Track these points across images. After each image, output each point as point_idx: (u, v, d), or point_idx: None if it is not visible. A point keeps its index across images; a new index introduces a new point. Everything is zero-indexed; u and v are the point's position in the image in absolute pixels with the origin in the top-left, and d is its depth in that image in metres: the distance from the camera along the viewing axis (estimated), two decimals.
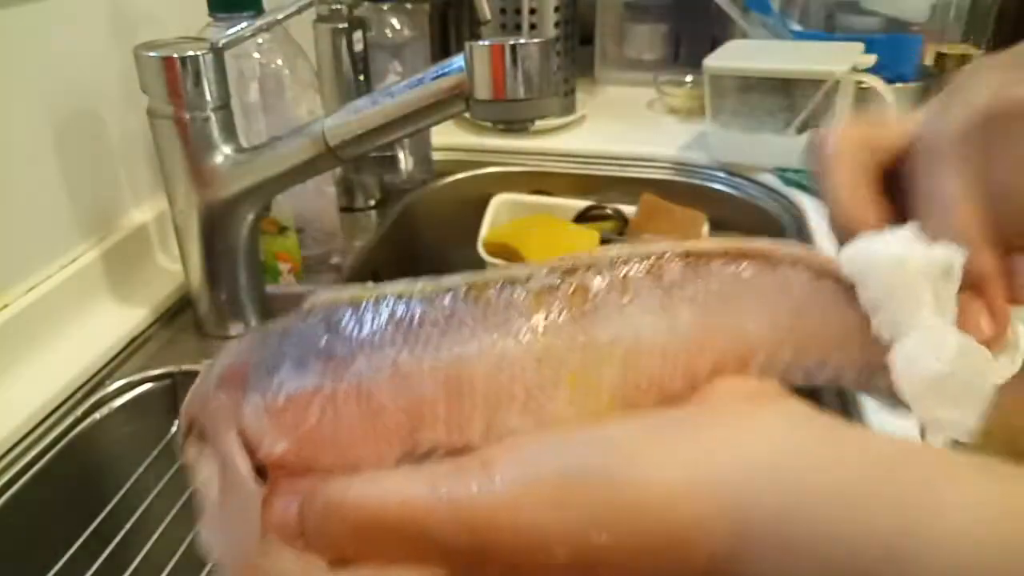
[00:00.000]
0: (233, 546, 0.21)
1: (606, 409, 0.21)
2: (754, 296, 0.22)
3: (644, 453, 0.19)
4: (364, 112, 0.54)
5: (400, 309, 0.21)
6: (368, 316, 0.21)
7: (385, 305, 0.22)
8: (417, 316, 0.21)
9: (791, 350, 0.22)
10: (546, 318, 0.21)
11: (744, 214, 0.86)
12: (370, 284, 0.23)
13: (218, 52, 0.54)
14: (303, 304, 0.23)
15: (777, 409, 0.20)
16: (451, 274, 0.23)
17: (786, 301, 0.22)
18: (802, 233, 0.75)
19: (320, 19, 0.73)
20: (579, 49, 1.04)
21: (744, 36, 1.04)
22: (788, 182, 0.84)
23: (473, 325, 0.21)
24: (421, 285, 0.22)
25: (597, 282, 0.21)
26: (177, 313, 0.64)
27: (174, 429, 0.57)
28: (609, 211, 0.85)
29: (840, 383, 0.23)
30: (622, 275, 0.21)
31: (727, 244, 0.22)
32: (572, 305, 0.21)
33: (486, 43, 0.50)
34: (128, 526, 0.50)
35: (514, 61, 0.50)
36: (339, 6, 0.72)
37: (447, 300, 0.21)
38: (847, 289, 0.22)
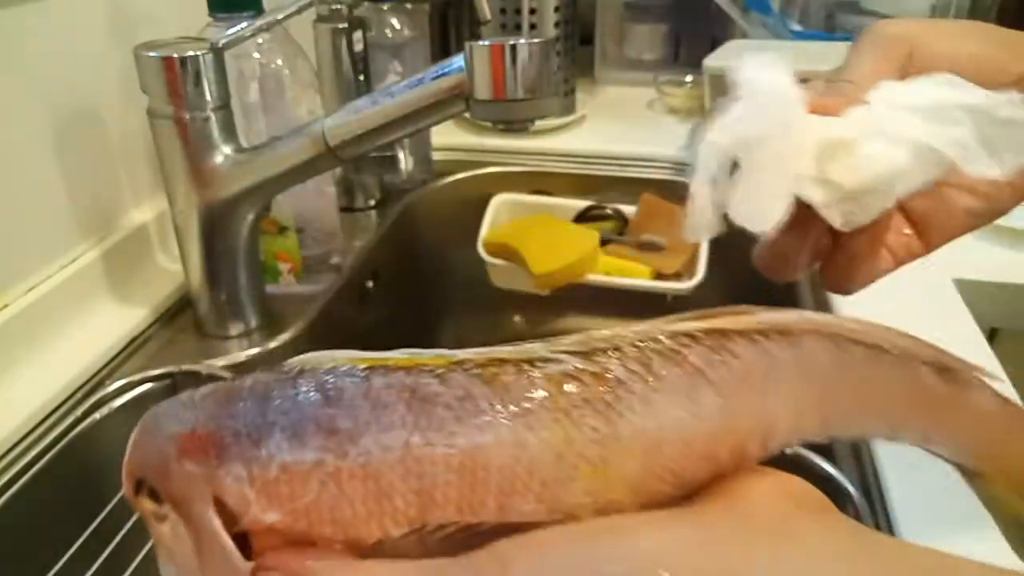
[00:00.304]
0: None
1: (623, 497, 0.20)
2: (778, 374, 0.21)
3: (677, 569, 0.18)
4: (364, 112, 0.54)
5: (408, 383, 0.20)
6: (374, 389, 0.20)
7: (392, 378, 0.20)
8: (429, 394, 0.20)
9: (817, 421, 0.22)
10: (565, 409, 0.20)
11: None
12: (364, 354, 0.22)
13: (218, 52, 0.54)
14: (283, 365, 0.22)
15: (817, 523, 0.20)
16: (454, 349, 0.22)
17: (811, 376, 0.21)
18: None
19: (320, 19, 0.73)
20: (579, 49, 1.04)
21: (744, 36, 1.04)
22: None
23: (489, 411, 0.20)
24: (429, 358, 0.21)
25: (618, 369, 0.20)
26: (177, 313, 0.64)
27: None
28: (609, 211, 0.85)
29: (864, 439, 0.22)
30: (644, 360, 0.20)
31: (749, 321, 0.21)
32: (592, 395, 0.20)
33: (486, 43, 0.50)
34: (128, 526, 0.50)
35: (514, 61, 0.50)
36: (339, 6, 0.72)
37: (460, 378, 0.20)
38: (875, 354, 0.21)
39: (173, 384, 0.57)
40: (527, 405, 0.20)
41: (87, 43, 0.60)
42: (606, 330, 0.21)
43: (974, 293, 0.64)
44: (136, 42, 0.54)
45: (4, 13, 0.53)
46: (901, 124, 0.25)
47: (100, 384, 0.55)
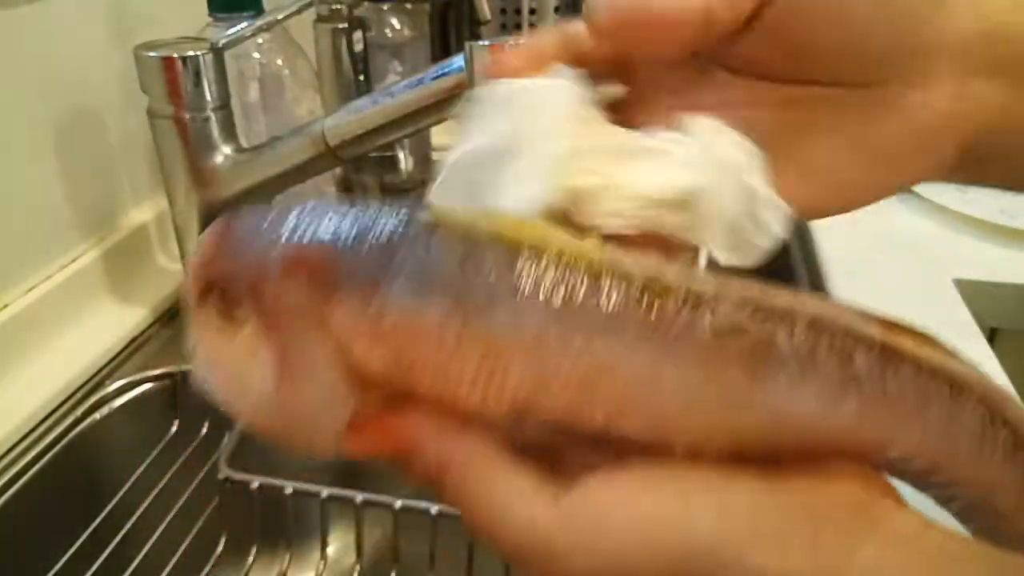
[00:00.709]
0: (303, 435, 0.21)
1: (721, 451, 0.20)
2: (925, 417, 0.20)
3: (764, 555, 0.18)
4: (364, 112, 0.54)
5: (560, 279, 0.19)
6: (522, 273, 0.19)
7: (543, 267, 0.19)
8: (577, 296, 0.19)
9: (924, 466, 0.21)
10: (713, 357, 0.19)
11: None
12: (506, 219, 0.20)
13: (218, 52, 0.54)
14: (410, 205, 0.21)
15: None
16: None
17: (951, 434, 0.20)
18: (802, 232, 0.75)
19: (320, 19, 0.73)
20: None
21: None
22: None
23: (636, 334, 0.19)
24: (589, 253, 0.20)
25: (784, 341, 0.19)
26: (177, 313, 0.64)
27: (174, 429, 0.57)
28: None
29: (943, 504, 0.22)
30: (811, 344, 0.19)
31: (929, 356, 0.20)
32: (751, 359, 0.19)
33: (486, 43, 0.50)
34: (128, 526, 0.50)
35: None
36: (339, 6, 0.72)
37: (616, 292, 0.19)
38: (1018, 445, 0.21)
39: (173, 384, 0.57)
40: (678, 345, 0.19)
41: (87, 43, 0.60)
42: (785, 293, 0.20)
43: (974, 293, 0.64)
44: (136, 42, 0.54)
45: (4, 13, 0.53)
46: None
47: (100, 384, 0.55)
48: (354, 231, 0.20)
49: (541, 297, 0.19)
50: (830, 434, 0.20)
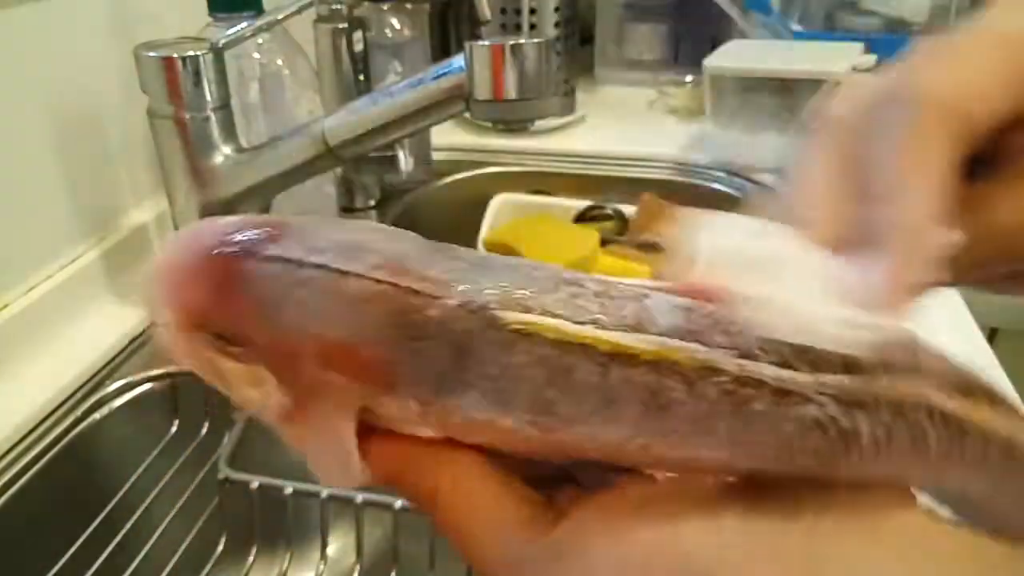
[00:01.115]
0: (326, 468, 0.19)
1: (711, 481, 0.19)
2: (984, 478, 0.20)
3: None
4: (364, 112, 0.54)
5: (650, 384, 0.17)
6: (610, 382, 0.17)
7: (633, 373, 0.17)
8: (668, 402, 0.17)
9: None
10: (790, 451, 0.17)
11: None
12: (591, 288, 0.18)
13: (218, 52, 0.54)
14: (472, 293, 0.17)
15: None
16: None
17: (1006, 490, 0.21)
18: None
19: (320, 19, 0.73)
20: (579, 49, 1.04)
21: (744, 36, 1.04)
22: None
23: (720, 431, 0.17)
24: (678, 353, 0.17)
25: (865, 429, 0.17)
26: None
27: (174, 429, 0.57)
28: (609, 211, 0.85)
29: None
30: (891, 430, 0.18)
31: (999, 425, 0.19)
32: (827, 454, 0.17)
33: (486, 43, 0.50)
34: (128, 526, 0.50)
35: (514, 61, 0.50)
36: (339, 6, 0.72)
37: (710, 391, 0.17)
38: None
39: (173, 384, 0.57)
40: (759, 437, 0.17)
41: (87, 43, 0.60)
42: (886, 372, 0.18)
43: (974, 293, 0.64)
44: (136, 42, 0.54)
45: (4, 13, 0.53)
46: None
47: (100, 384, 0.55)
48: (421, 326, 0.17)
49: (630, 411, 0.17)
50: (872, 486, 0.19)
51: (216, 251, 0.18)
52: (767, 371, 0.17)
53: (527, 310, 0.17)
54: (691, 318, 0.18)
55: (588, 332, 0.17)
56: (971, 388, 0.19)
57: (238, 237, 0.18)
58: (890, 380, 0.18)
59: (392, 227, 0.20)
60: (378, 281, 0.17)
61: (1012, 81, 0.20)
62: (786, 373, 0.17)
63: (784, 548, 0.17)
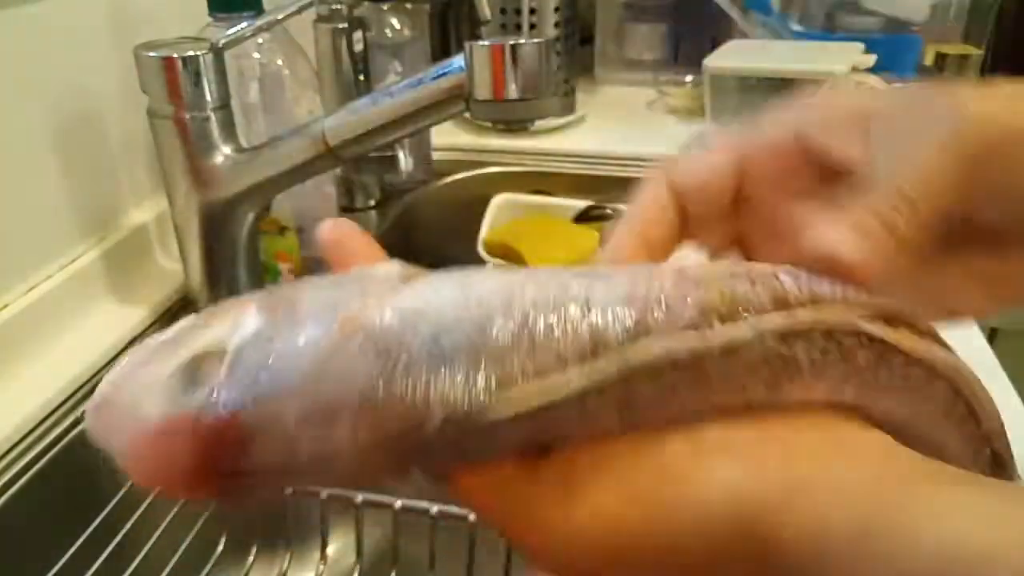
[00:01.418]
0: None
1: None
2: (903, 393, 0.22)
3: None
4: (364, 112, 0.54)
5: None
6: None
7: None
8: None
9: (893, 428, 0.22)
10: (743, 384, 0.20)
11: None
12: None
13: (218, 52, 0.54)
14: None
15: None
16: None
17: (924, 410, 0.22)
18: None
19: (320, 19, 0.73)
20: (579, 49, 1.04)
21: (744, 36, 1.04)
22: None
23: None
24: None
25: (803, 356, 0.20)
26: (177, 313, 0.64)
27: None
28: (609, 211, 0.85)
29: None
30: (824, 353, 0.21)
31: (917, 346, 0.22)
32: (771, 378, 0.20)
33: (486, 43, 0.50)
34: (128, 526, 0.50)
35: (514, 61, 0.50)
36: (339, 6, 0.72)
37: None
38: (977, 422, 0.23)
39: None
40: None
41: (87, 43, 0.60)
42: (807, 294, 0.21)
43: None
44: (136, 42, 0.54)
45: (4, 13, 0.53)
46: None
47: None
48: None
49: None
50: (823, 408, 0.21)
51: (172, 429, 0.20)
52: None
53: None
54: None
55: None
56: (894, 317, 0.21)
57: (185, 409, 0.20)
58: (820, 311, 0.21)
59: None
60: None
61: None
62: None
63: (761, 450, 0.20)
